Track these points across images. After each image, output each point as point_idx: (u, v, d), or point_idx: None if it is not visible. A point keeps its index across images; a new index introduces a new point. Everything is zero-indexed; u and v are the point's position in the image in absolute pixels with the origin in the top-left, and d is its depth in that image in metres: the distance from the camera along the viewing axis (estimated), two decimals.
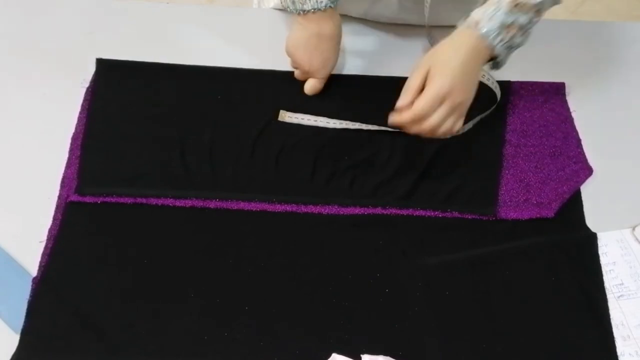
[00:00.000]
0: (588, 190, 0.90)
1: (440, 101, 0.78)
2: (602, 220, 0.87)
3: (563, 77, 1.00)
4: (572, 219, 0.87)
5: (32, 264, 0.81)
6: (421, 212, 0.87)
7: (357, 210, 0.87)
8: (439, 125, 0.80)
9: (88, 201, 0.87)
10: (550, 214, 0.87)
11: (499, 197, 0.89)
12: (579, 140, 0.94)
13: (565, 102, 0.98)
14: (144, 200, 0.87)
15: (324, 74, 0.96)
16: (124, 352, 0.76)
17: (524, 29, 0.81)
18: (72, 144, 0.92)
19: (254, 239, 0.85)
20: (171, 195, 0.87)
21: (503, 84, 0.99)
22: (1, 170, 0.90)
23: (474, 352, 0.77)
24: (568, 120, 0.96)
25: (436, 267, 0.82)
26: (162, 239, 0.84)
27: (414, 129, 0.81)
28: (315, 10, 0.89)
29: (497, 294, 0.81)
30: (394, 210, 0.87)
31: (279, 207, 0.87)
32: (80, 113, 0.95)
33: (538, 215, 0.87)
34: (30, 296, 0.79)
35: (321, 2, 0.89)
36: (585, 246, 0.84)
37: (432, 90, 0.78)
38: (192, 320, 0.78)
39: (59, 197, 0.87)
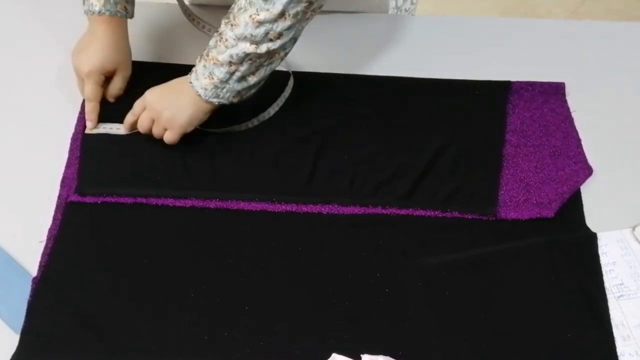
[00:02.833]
0: (588, 190, 0.90)
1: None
2: (602, 220, 0.87)
3: (563, 77, 1.00)
4: (572, 219, 0.87)
5: (32, 264, 0.81)
6: (421, 212, 0.87)
7: (357, 210, 0.87)
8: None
9: (88, 201, 0.87)
10: (550, 214, 0.87)
11: (499, 197, 0.88)
12: (579, 140, 0.94)
13: (565, 102, 0.98)
14: (144, 200, 0.87)
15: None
16: (124, 352, 0.76)
17: (226, 81, 0.84)
18: (72, 144, 0.92)
19: (254, 239, 0.85)
20: (171, 195, 0.88)
21: (503, 84, 0.99)
22: (1, 170, 0.90)
23: (474, 352, 0.77)
24: (568, 120, 0.96)
25: (436, 267, 0.82)
26: (162, 239, 0.84)
27: None
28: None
29: (497, 294, 0.81)
30: (394, 210, 0.87)
31: (279, 207, 0.87)
32: (80, 113, 0.95)
33: (538, 215, 0.87)
34: (30, 296, 0.79)
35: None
36: (585, 246, 0.84)
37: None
38: (192, 321, 0.78)
39: (59, 197, 0.87)
